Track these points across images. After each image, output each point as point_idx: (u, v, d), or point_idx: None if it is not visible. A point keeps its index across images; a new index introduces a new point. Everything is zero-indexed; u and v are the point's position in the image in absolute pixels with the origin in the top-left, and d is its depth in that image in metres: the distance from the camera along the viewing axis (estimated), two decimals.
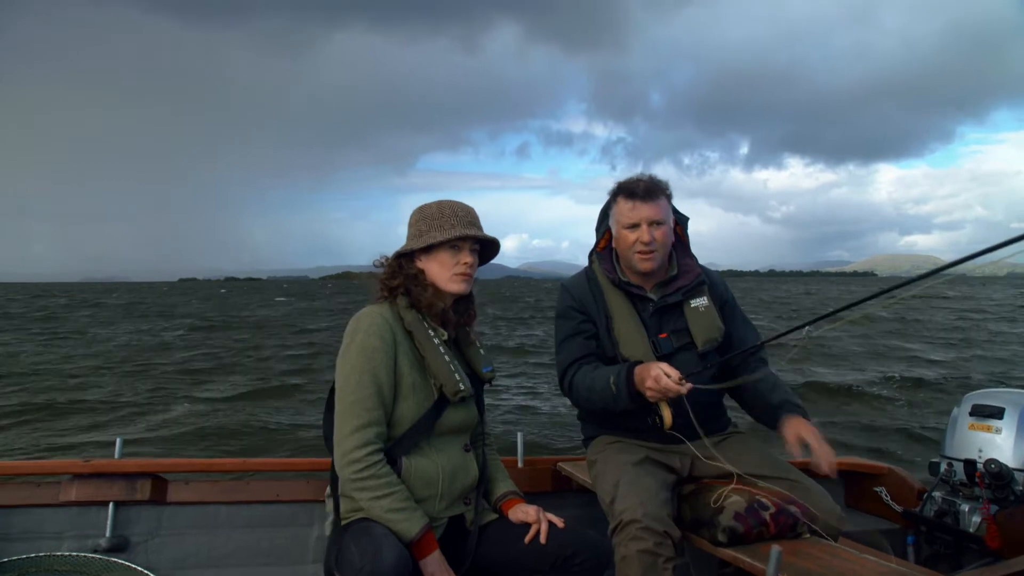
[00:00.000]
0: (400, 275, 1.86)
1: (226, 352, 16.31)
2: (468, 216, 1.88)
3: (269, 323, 27.71)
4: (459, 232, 1.83)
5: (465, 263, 1.86)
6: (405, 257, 1.88)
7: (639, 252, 2.13)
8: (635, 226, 2.13)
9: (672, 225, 2.20)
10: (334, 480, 1.84)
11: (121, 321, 29.25)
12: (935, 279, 1.62)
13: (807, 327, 1.83)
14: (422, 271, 1.87)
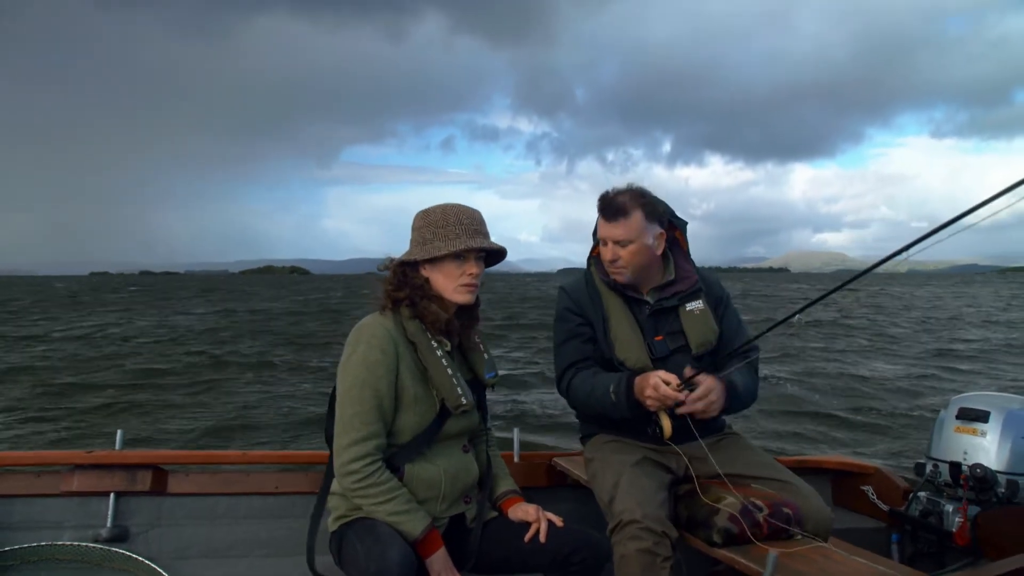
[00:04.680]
0: (406, 286, 1.83)
1: None
2: (473, 224, 1.84)
3: None
4: (463, 244, 1.80)
5: (470, 274, 1.83)
6: (409, 265, 1.85)
7: (608, 266, 2.19)
8: (604, 242, 2.17)
9: (650, 240, 2.14)
10: (331, 477, 1.85)
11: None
12: (893, 262, 1.71)
13: (797, 315, 1.86)
14: (427, 280, 1.84)
